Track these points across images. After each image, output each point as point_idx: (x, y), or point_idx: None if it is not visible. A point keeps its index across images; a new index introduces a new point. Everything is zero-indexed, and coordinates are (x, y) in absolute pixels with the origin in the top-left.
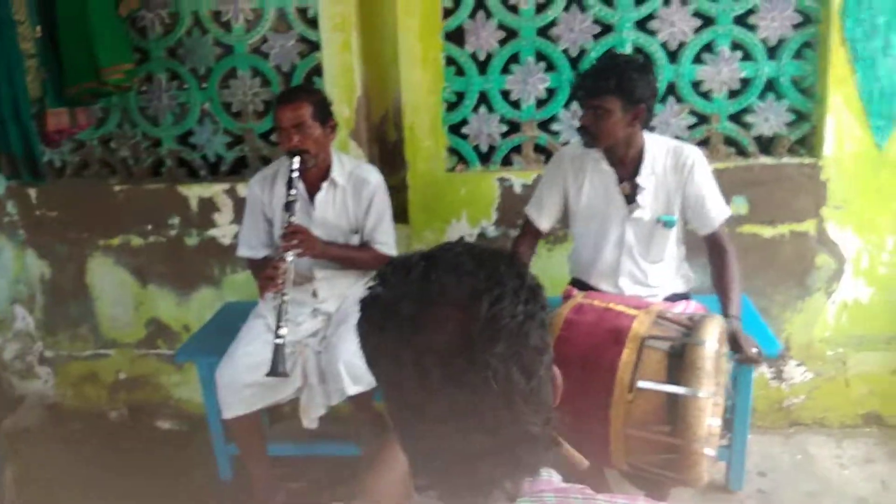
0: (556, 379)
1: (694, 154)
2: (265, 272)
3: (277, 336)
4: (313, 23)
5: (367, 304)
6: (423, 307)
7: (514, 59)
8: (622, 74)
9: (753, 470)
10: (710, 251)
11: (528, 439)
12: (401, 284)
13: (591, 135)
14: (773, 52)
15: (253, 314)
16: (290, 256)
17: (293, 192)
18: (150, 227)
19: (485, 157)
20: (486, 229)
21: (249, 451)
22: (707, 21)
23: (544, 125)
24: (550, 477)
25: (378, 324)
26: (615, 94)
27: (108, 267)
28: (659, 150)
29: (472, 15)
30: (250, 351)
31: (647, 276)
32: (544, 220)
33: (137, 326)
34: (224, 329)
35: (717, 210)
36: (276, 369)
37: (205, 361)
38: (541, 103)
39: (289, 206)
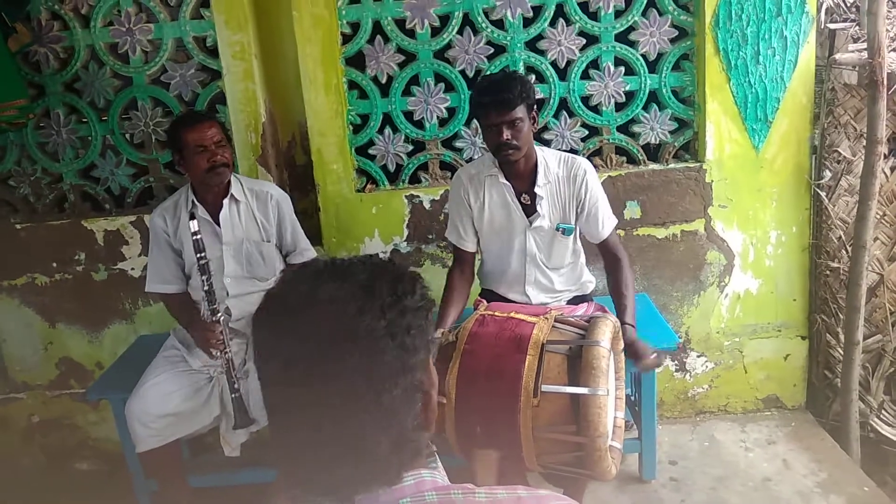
0: (429, 404)
1: (585, 165)
2: (205, 337)
3: (233, 391)
4: (213, 51)
5: (266, 296)
6: (305, 305)
7: (415, 81)
8: (522, 82)
9: (665, 459)
10: (605, 259)
11: (369, 456)
12: (295, 283)
13: (515, 148)
14: (653, 65)
15: (163, 347)
16: (220, 316)
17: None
18: (55, 264)
19: (392, 176)
20: (399, 245)
21: (169, 485)
22: (591, 39)
23: (448, 143)
24: (434, 478)
25: (264, 317)
26: (521, 102)
27: (14, 308)
28: (551, 161)
29: (371, 40)
30: (159, 381)
31: (553, 283)
32: (468, 242)
33: (48, 367)
34: (138, 363)
35: (608, 219)
36: (239, 421)
37: (118, 398)
38: (443, 122)
39: (204, 269)
